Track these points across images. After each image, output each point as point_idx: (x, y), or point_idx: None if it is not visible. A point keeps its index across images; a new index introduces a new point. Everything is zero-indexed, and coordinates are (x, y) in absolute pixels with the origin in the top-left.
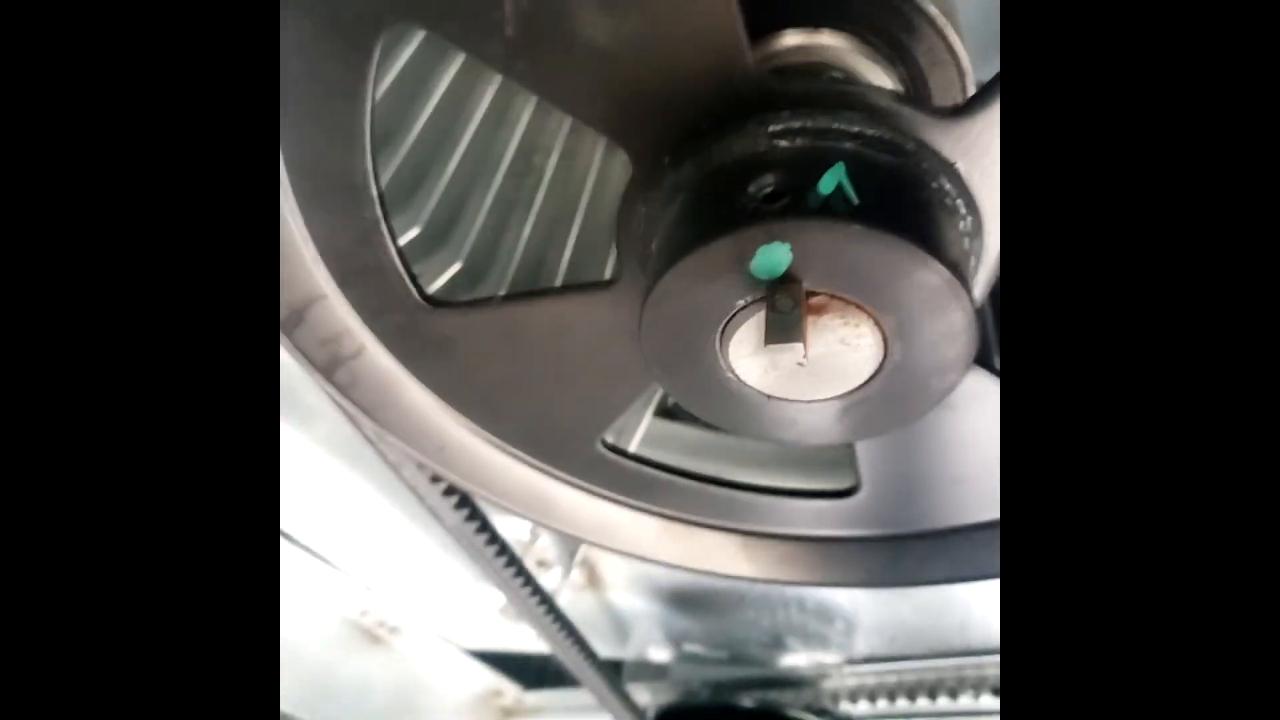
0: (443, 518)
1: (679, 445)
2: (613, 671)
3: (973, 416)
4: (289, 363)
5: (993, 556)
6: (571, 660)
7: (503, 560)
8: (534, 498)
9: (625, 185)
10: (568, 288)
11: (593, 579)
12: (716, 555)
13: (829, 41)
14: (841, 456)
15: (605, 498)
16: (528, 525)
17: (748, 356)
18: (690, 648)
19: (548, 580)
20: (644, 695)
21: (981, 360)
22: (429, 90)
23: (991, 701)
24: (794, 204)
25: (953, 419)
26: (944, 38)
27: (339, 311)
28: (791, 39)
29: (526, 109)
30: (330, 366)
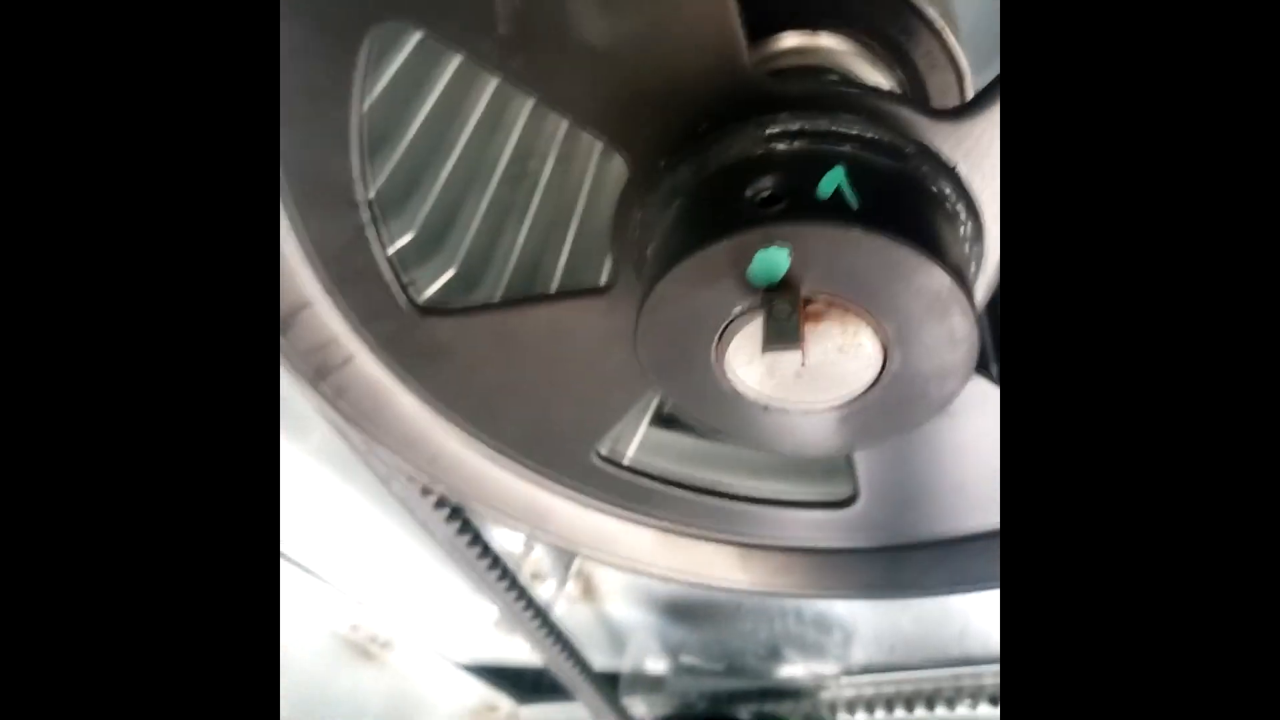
0: (434, 530)
1: (676, 453)
2: (609, 684)
3: (971, 424)
4: (280, 372)
5: (993, 566)
6: (566, 673)
7: (496, 573)
8: (529, 508)
9: (621, 188)
10: (562, 293)
11: (588, 590)
12: (713, 566)
13: (828, 43)
14: (840, 464)
15: (601, 508)
16: (522, 537)
17: (746, 363)
18: (687, 659)
19: (543, 592)
20: (640, 707)
21: (980, 366)
22: (424, 94)
23: (990, 711)
24: (793, 207)
25: (951, 426)
26: (943, 40)
27: (326, 319)
28: (790, 40)
29: (522, 113)
30: (317, 375)
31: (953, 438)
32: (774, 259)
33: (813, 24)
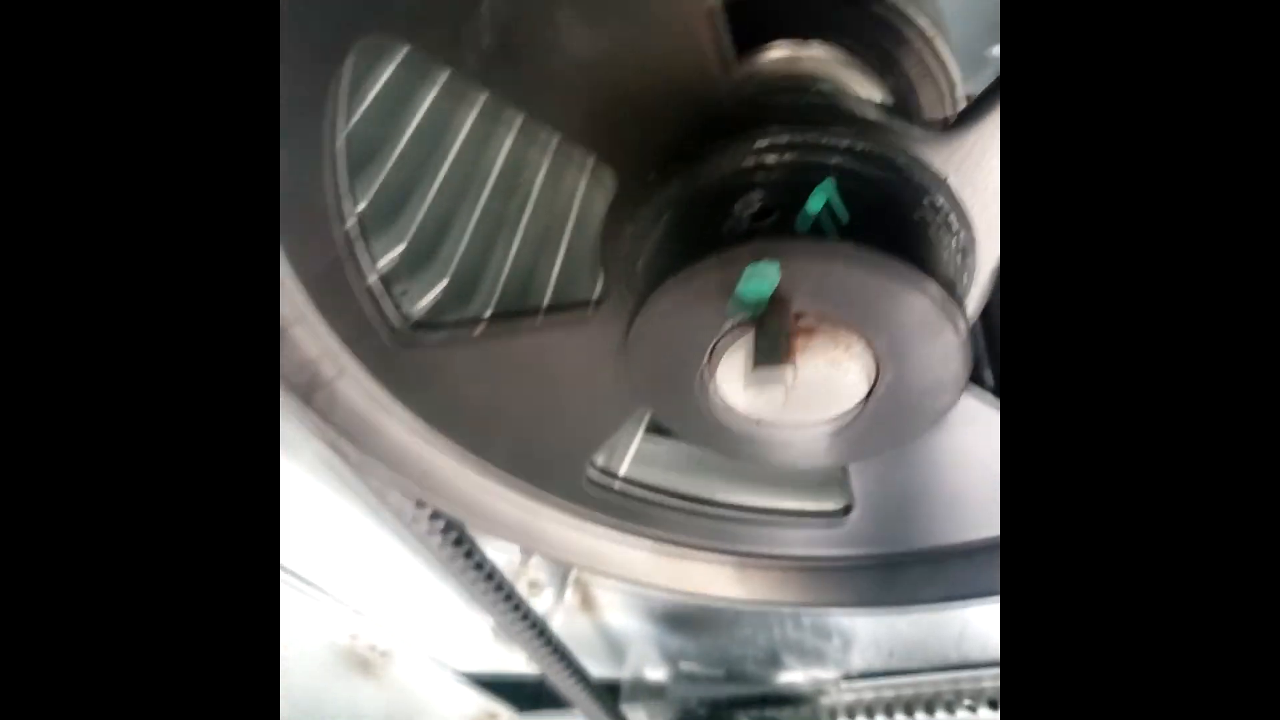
0: (428, 544)
1: (672, 462)
2: (609, 693)
3: (965, 434)
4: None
5: (991, 575)
6: (564, 684)
7: (491, 585)
8: (523, 524)
9: (609, 202)
10: (552, 309)
11: (586, 600)
12: (709, 580)
13: (818, 53)
14: (834, 474)
15: (595, 525)
16: (517, 549)
17: (736, 380)
18: (687, 666)
19: (541, 602)
20: (642, 715)
21: (974, 378)
22: (414, 105)
23: (990, 714)
24: (782, 222)
25: (944, 438)
26: (933, 49)
27: (314, 337)
28: (780, 51)
29: (513, 124)
30: (307, 393)
31: (946, 449)
32: (763, 276)
33: (803, 34)
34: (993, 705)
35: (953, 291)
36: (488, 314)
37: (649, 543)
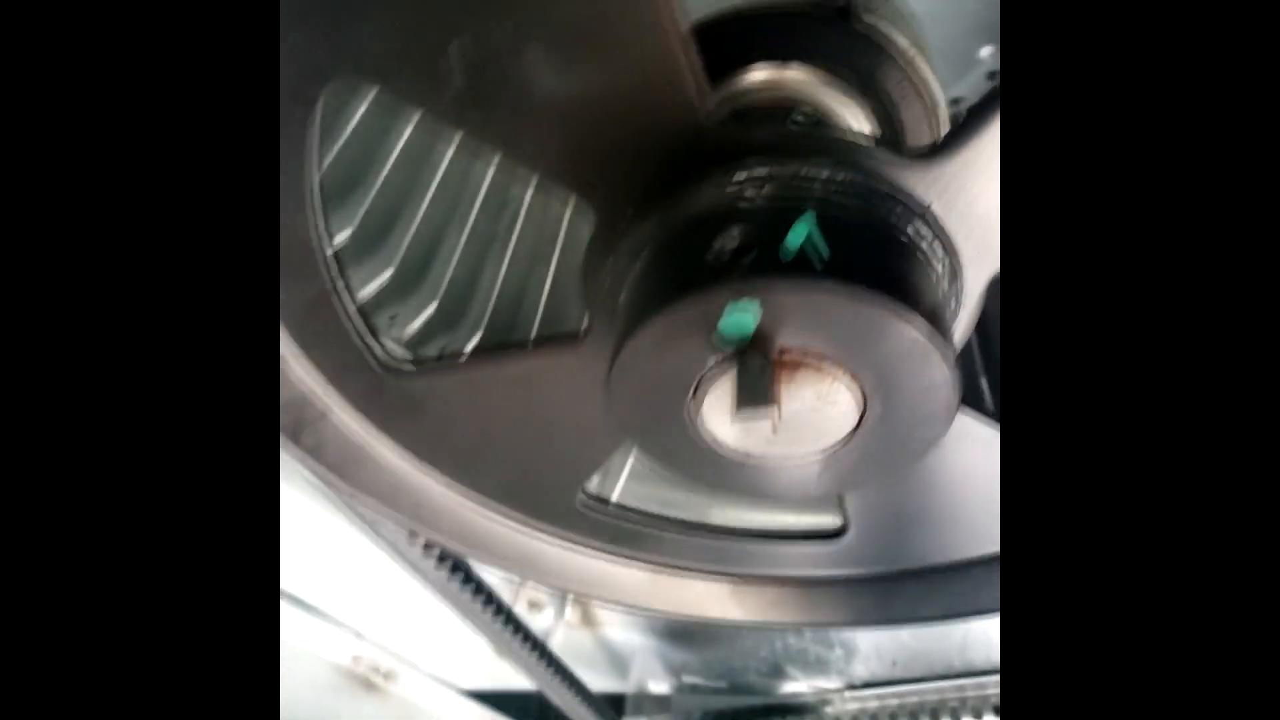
0: (423, 571)
1: (666, 482)
2: (612, 707)
3: (961, 453)
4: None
5: (991, 592)
6: (566, 702)
7: (490, 610)
8: (517, 553)
9: (590, 237)
10: (538, 342)
11: (587, 616)
12: (706, 602)
13: (798, 75)
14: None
15: (590, 550)
16: None
17: (721, 417)
18: (690, 679)
19: (542, 620)
20: None
21: (970, 396)
22: (399, 126)
23: None
24: (762, 259)
25: (939, 459)
26: (914, 69)
27: (301, 373)
28: (759, 74)
29: (494, 156)
30: (296, 429)
31: (941, 468)
32: (744, 315)
33: (782, 56)
34: (996, 712)
35: (938, 323)
36: (477, 339)
37: (644, 566)
